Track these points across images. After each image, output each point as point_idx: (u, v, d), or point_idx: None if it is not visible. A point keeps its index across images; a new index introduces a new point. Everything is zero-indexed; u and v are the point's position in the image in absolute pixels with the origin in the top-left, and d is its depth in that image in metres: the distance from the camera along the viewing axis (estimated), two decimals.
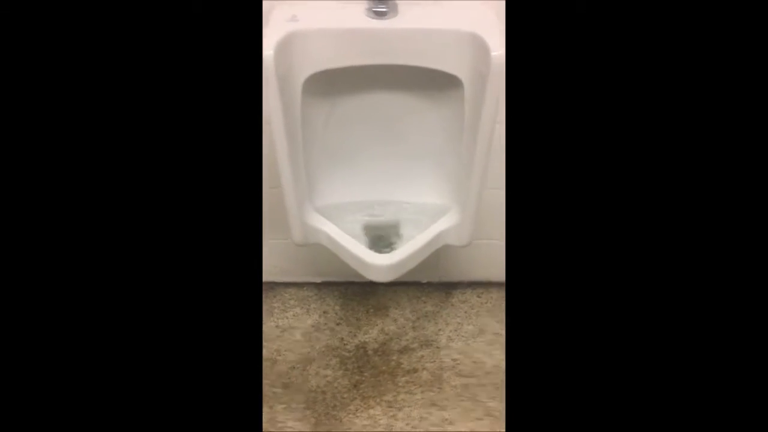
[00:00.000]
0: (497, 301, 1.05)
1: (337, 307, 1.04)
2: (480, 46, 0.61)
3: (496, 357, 0.95)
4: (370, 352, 0.96)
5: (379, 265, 0.74)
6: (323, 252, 0.82)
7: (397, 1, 0.65)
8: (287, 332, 1.00)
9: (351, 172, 0.83)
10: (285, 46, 0.62)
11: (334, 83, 0.72)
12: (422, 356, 0.95)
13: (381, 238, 0.82)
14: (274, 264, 1.03)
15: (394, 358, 0.95)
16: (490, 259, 1.03)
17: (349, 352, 0.96)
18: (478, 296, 1.06)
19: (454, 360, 0.94)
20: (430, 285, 1.08)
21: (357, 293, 1.07)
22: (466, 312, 1.03)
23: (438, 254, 0.97)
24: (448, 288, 1.08)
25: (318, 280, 1.09)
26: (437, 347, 0.96)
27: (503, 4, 0.65)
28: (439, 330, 1.00)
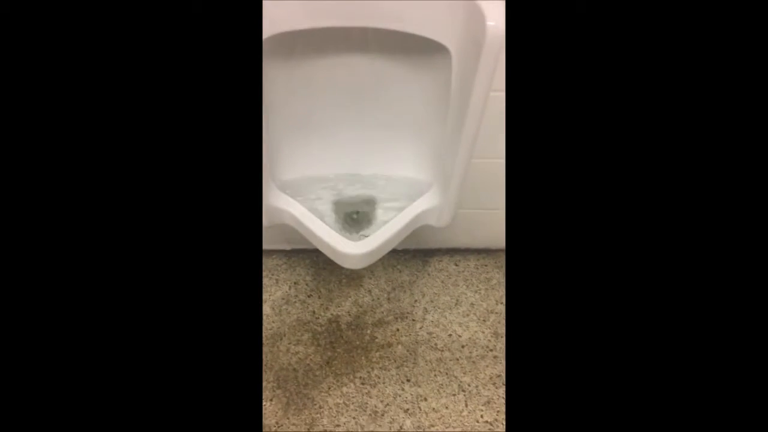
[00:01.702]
0: (475, 269, 1.02)
1: (308, 278, 0.99)
2: (474, 13, 0.50)
3: (472, 329, 0.93)
4: (343, 326, 0.93)
5: (352, 254, 0.67)
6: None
7: None
8: None
9: (320, 143, 0.74)
10: None
11: (299, 44, 0.60)
12: (397, 329, 0.93)
13: (353, 217, 0.75)
14: None
15: (368, 332, 0.92)
16: (469, 226, 0.99)
17: (321, 326, 0.92)
18: (456, 264, 1.03)
19: (429, 333, 0.92)
20: (407, 252, 1.04)
21: (329, 262, 1.00)
22: (442, 281, 1.00)
23: None
24: (424, 255, 1.04)
25: (287, 247, 1.02)
26: (412, 320, 0.94)
27: None
28: (415, 301, 0.97)
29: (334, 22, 0.53)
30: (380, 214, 0.74)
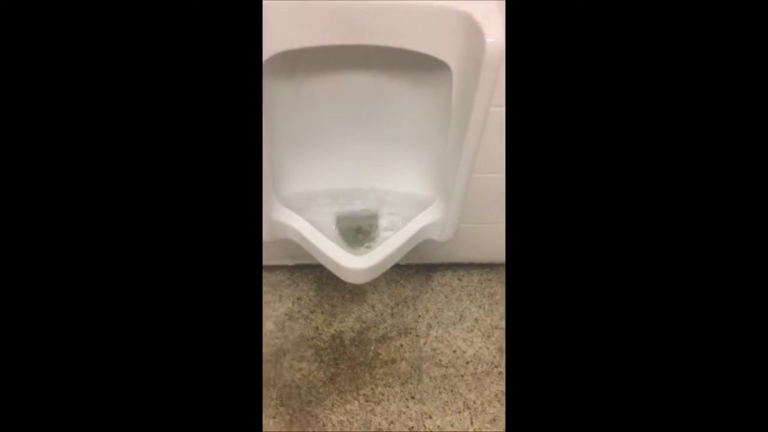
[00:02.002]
0: (478, 284, 1.02)
1: (311, 293, 0.99)
2: (473, 30, 0.51)
3: (476, 345, 0.92)
4: (346, 342, 0.92)
5: (355, 269, 0.67)
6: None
7: None
8: None
9: (322, 157, 0.74)
10: None
11: (302, 62, 0.61)
12: (401, 345, 0.92)
13: (356, 232, 0.75)
14: None
15: (372, 348, 0.91)
16: (472, 240, 0.98)
17: (325, 342, 0.92)
18: (459, 279, 1.02)
19: (433, 349, 0.91)
20: (410, 267, 1.03)
21: (332, 277, 1.00)
22: (446, 296, 1.00)
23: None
24: (428, 270, 1.03)
25: (290, 263, 1.02)
26: (416, 335, 0.93)
27: None
28: (419, 317, 0.96)
29: (336, 40, 0.54)
30: (383, 228, 0.74)
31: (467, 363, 0.90)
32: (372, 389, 0.86)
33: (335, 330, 0.94)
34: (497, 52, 0.50)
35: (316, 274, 1.02)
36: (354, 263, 0.67)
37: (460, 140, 0.61)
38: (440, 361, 0.90)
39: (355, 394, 0.85)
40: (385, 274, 1.02)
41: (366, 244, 0.73)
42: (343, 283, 1.00)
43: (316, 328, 0.94)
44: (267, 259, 1.01)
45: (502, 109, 0.70)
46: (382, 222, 0.75)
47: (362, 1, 0.52)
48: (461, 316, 0.97)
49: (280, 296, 0.98)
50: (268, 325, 0.94)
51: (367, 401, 0.85)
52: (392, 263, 0.71)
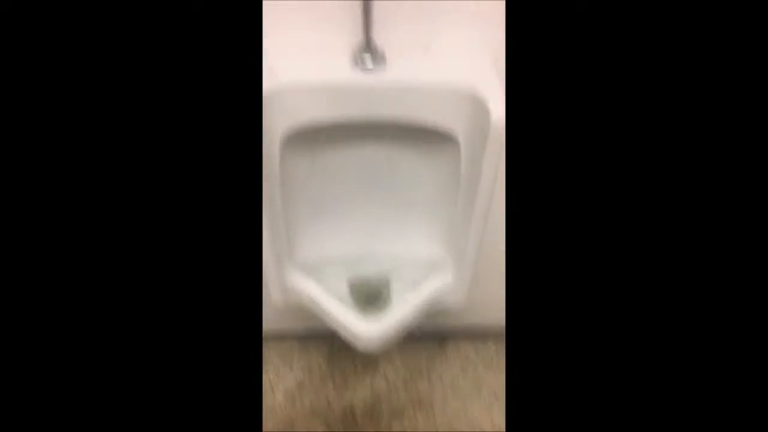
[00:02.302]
0: (495, 353, 0.98)
1: (322, 362, 0.96)
2: (479, 106, 0.54)
3: (496, 420, 0.87)
4: (358, 415, 0.88)
5: (368, 335, 0.66)
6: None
7: (386, 51, 0.58)
8: (267, 393, 0.91)
9: (336, 225, 0.76)
10: (263, 101, 0.55)
11: (317, 136, 0.65)
12: (416, 419, 0.87)
13: (369, 297, 0.74)
14: None
15: (385, 422, 0.87)
16: (487, 305, 0.97)
17: (336, 415, 0.88)
18: (475, 348, 0.99)
19: (450, 424, 0.87)
20: (423, 335, 1.01)
21: (344, 346, 0.98)
22: (461, 366, 0.96)
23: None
24: (442, 338, 1.01)
25: (302, 331, 1.01)
26: (431, 408, 0.89)
27: (498, 50, 0.60)
28: (434, 388, 0.92)
29: (353, 115, 0.58)
30: (395, 293, 0.74)
31: None
32: None
33: (347, 402, 0.90)
34: (502, 126, 0.53)
35: (327, 342, 1.00)
36: (367, 328, 0.66)
37: (470, 207, 0.63)
38: None
39: None
40: (397, 343, 0.99)
41: (378, 310, 0.72)
42: (355, 352, 0.98)
43: (327, 400, 0.90)
44: (278, 327, 1.00)
45: None
46: (395, 287, 0.75)
47: (378, 80, 0.56)
48: (479, 387, 0.92)
49: (291, 366, 0.96)
50: (277, 397, 0.91)
51: None
52: (406, 329, 0.70)
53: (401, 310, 0.69)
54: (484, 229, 0.64)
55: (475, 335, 1.01)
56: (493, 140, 0.54)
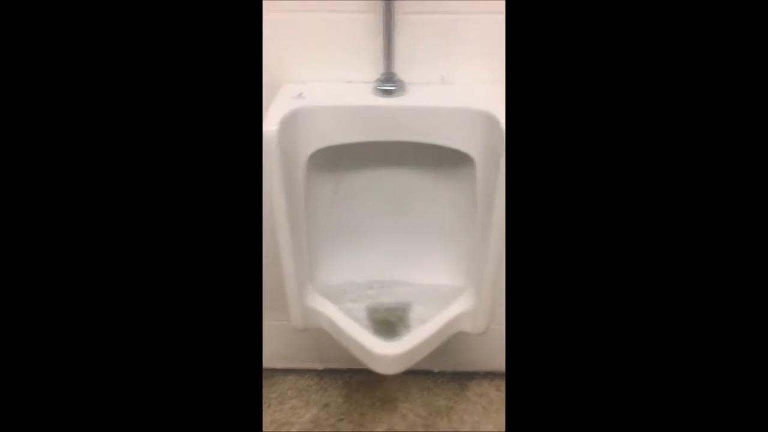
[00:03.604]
0: None
1: (339, 399, 0.94)
2: (492, 123, 0.58)
3: None
4: None
5: (385, 355, 0.66)
6: (326, 335, 0.74)
7: (405, 82, 0.64)
8: (284, 429, 0.89)
9: (356, 250, 0.78)
10: (290, 122, 0.60)
11: (341, 159, 0.70)
12: None
13: (387, 323, 0.74)
14: (272, 349, 0.95)
15: None
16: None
17: None
18: (497, 389, 0.96)
19: None
20: (443, 375, 0.98)
21: (362, 383, 0.97)
22: (483, 408, 0.92)
23: (451, 340, 0.89)
24: (462, 378, 0.98)
25: (320, 367, 1.00)
26: None
27: None
28: (454, 429, 0.88)
29: (375, 137, 0.63)
30: (414, 319, 0.74)
31: None
32: None
33: None
34: None
35: (345, 379, 0.98)
36: (385, 350, 0.66)
37: (487, 229, 0.65)
38: None
39: None
40: (416, 382, 0.97)
41: (398, 336, 0.72)
42: (374, 389, 0.96)
43: None
44: (296, 363, 0.99)
45: None
46: (414, 314, 0.75)
47: (398, 103, 0.61)
48: (501, 429, 0.88)
49: (307, 402, 0.94)
50: None
51: None
52: (424, 354, 0.69)
53: (420, 333, 0.69)
54: (503, 248, 0.65)
55: (498, 376, 0.98)
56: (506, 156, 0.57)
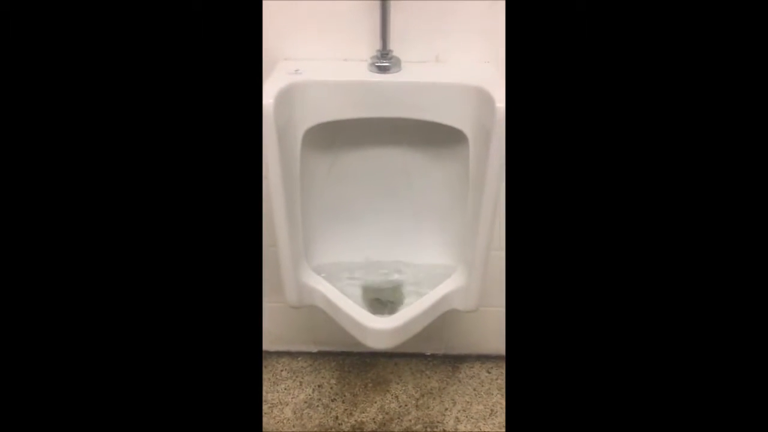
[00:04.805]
0: None
1: (332, 381, 0.95)
2: (484, 98, 0.59)
3: None
4: None
5: (378, 329, 0.67)
6: (320, 317, 0.75)
7: (401, 60, 0.65)
8: (276, 408, 0.90)
9: (351, 230, 0.79)
10: (286, 96, 0.61)
11: (336, 136, 0.71)
12: None
13: (381, 301, 0.76)
14: (267, 330, 0.96)
15: None
16: (500, 328, 0.96)
17: None
18: (488, 371, 0.97)
19: None
20: (435, 357, 1.00)
21: (355, 365, 0.98)
22: (474, 389, 0.94)
23: (443, 323, 0.90)
24: (454, 361, 0.99)
25: (314, 349, 1.01)
26: (443, 431, 0.86)
27: (503, 63, 0.66)
28: (446, 410, 0.89)
29: (370, 114, 0.64)
30: (407, 297, 0.75)
31: None
32: None
33: (356, 420, 0.88)
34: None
35: (338, 361, 0.99)
36: (377, 323, 0.67)
37: (479, 205, 0.66)
38: None
39: None
40: (408, 364, 0.98)
41: (390, 313, 0.73)
42: (367, 371, 0.97)
43: (336, 418, 0.88)
44: (290, 345, 1.00)
45: None
46: (406, 292, 0.76)
47: (393, 79, 0.62)
48: (492, 410, 0.89)
49: (301, 383, 0.95)
50: (286, 413, 0.89)
51: None
52: (416, 329, 0.71)
53: (413, 309, 0.70)
54: (494, 226, 0.66)
55: (490, 359, 0.99)
56: (497, 132, 0.58)
